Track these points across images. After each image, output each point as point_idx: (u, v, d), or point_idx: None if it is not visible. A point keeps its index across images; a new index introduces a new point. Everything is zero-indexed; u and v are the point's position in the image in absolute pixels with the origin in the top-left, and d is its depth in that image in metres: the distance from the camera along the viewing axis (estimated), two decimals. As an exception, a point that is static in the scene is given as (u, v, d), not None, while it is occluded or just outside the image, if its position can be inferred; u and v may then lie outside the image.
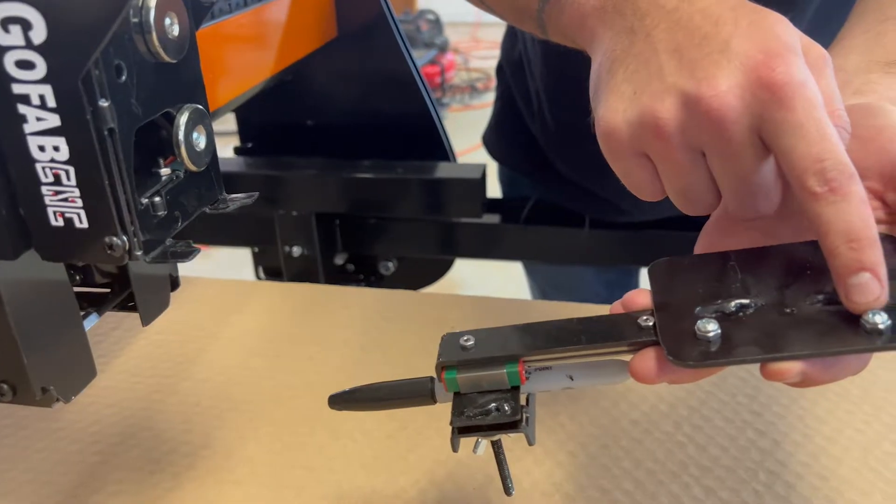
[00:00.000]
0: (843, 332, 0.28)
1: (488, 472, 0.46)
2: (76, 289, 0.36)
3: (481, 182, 0.77)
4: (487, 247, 0.84)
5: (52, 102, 0.27)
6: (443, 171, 0.80)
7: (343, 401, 0.37)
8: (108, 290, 0.39)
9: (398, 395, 0.36)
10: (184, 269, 0.42)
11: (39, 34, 0.26)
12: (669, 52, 0.32)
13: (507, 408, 0.32)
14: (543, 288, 1.00)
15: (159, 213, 0.31)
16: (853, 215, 0.28)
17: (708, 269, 0.32)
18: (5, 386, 0.32)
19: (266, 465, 0.47)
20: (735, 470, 0.45)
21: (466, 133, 1.73)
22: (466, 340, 0.33)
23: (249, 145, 0.87)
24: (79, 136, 0.27)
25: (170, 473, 0.46)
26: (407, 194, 0.79)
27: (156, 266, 0.40)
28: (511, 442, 0.47)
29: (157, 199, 0.31)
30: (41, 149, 0.28)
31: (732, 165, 0.31)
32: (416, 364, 0.56)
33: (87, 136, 0.27)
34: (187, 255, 0.31)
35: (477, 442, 0.34)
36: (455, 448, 0.33)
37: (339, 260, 0.86)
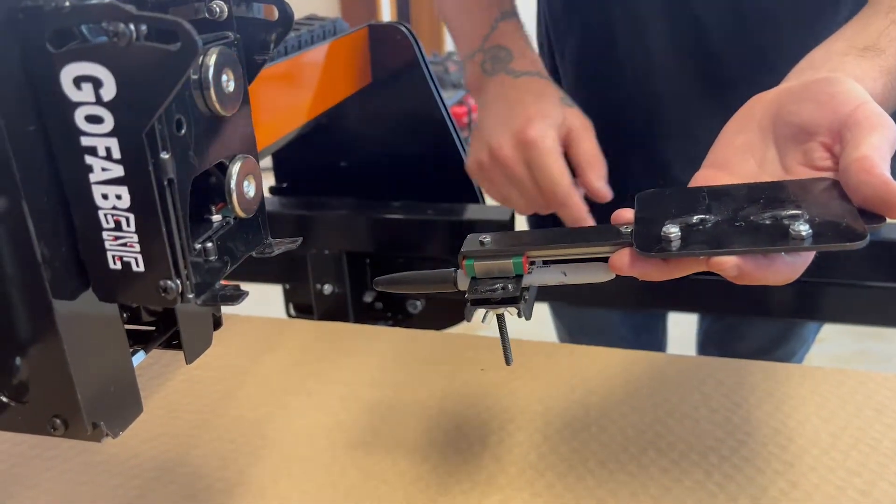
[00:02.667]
0: (774, 237, 0.35)
1: (518, 517, 0.46)
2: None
3: (510, 224, 0.78)
4: (515, 288, 0.84)
5: (117, 154, 0.29)
6: (472, 212, 0.81)
7: (387, 283, 0.46)
8: (154, 329, 0.40)
9: (429, 280, 0.44)
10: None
11: (109, 91, 0.28)
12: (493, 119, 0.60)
13: (511, 288, 0.40)
14: (570, 330, 1.01)
15: (211, 258, 0.32)
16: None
17: (683, 197, 0.40)
18: (58, 420, 0.33)
19: (298, 503, 0.48)
20: (766, 521, 0.45)
21: (493, 173, 1.75)
22: (484, 239, 0.41)
23: (284, 185, 0.89)
24: (140, 185, 0.29)
25: (204, 509, 0.47)
26: (436, 235, 0.81)
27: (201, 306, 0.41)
28: (542, 486, 0.48)
29: (209, 244, 0.32)
30: (104, 197, 0.30)
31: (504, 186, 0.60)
32: (447, 405, 0.57)
33: (148, 186, 0.29)
34: (236, 298, 0.32)
35: (485, 314, 0.42)
36: (468, 318, 0.41)
37: (369, 298, 0.88)
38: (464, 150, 0.84)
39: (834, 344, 1.98)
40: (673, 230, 0.36)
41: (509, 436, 0.53)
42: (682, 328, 1.11)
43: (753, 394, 0.57)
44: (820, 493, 0.47)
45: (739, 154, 0.43)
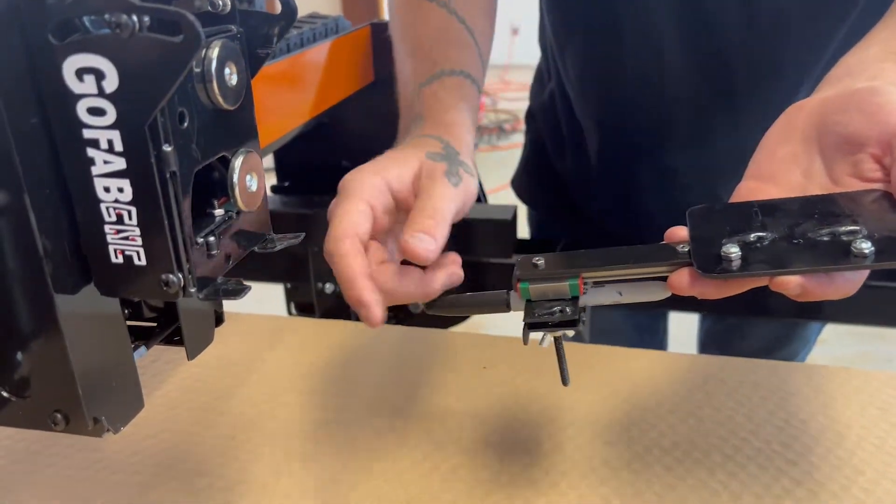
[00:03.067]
0: (836, 256, 0.35)
1: (520, 515, 0.46)
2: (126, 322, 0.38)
3: (512, 223, 0.77)
4: (517, 287, 0.84)
5: (119, 147, 0.28)
6: (474, 211, 0.80)
7: (438, 306, 0.45)
8: (155, 325, 0.40)
9: (481, 303, 0.44)
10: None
11: (112, 83, 0.27)
12: None
13: (568, 311, 0.39)
14: (572, 329, 1.00)
15: (213, 252, 0.32)
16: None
17: (735, 212, 0.40)
18: (59, 415, 0.33)
19: (299, 501, 0.47)
20: (770, 519, 0.45)
21: (494, 173, 1.75)
22: (538, 261, 0.41)
23: (286, 184, 0.89)
24: (143, 178, 0.29)
25: (205, 507, 0.47)
26: (438, 234, 0.80)
27: (203, 302, 0.41)
28: (546, 485, 0.48)
29: (211, 238, 0.32)
30: (106, 190, 0.29)
31: None
32: (449, 403, 0.56)
33: (151, 179, 0.29)
34: (238, 292, 0.32)
35: (543, 336, 0.41)
36: (525, 341, 0.40)
37: (370, 297, 0.87)
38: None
39: (836, 345, 1.98)
40: (733, 250, 0.36)
41: (512, 434, 0.53)
42: (684, 328, 1.11)
43: (756, 392, 0.56)
44: (824, 492, 0.47)
45: (784, 165, 0.42)
